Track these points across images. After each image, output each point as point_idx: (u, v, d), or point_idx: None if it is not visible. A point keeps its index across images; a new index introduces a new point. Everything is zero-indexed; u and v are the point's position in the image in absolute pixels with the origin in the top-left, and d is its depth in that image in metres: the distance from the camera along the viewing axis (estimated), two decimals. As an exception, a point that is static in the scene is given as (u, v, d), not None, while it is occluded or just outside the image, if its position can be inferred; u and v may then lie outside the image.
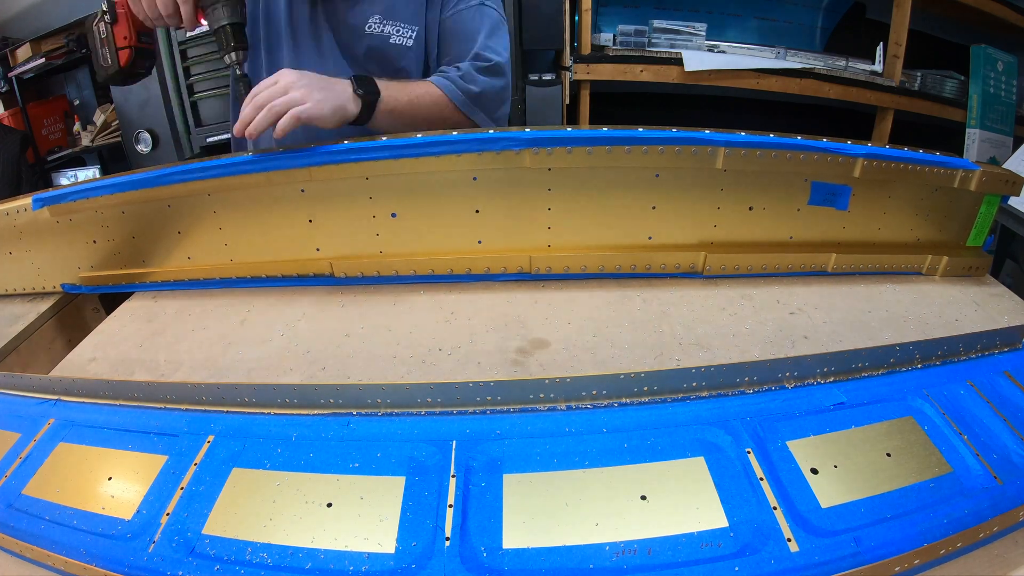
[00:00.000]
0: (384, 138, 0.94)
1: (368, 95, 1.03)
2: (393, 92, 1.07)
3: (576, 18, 2.65)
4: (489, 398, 0.69)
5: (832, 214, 1.00)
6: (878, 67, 2.85)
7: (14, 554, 0.65)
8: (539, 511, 0.59)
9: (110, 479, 0.67)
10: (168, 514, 0.62)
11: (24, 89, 3.12)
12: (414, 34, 1.18)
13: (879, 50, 2.83)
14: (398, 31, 1.17)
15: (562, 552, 0.56)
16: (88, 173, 3.18)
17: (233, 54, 0.99)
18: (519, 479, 0.61)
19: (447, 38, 1.21)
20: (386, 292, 1.03)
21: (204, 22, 0.99)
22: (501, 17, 1.23)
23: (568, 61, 2.62)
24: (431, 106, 1.12)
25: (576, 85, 2.71)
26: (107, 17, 1.00)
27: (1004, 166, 1.61)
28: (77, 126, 3.24)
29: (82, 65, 3.23)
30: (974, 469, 0.62)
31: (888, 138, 2.89)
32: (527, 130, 0.92)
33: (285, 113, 0.93)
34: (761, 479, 0.60)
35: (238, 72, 1.01)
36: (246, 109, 0.94)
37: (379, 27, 1.16)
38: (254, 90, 0.96)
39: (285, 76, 0.96)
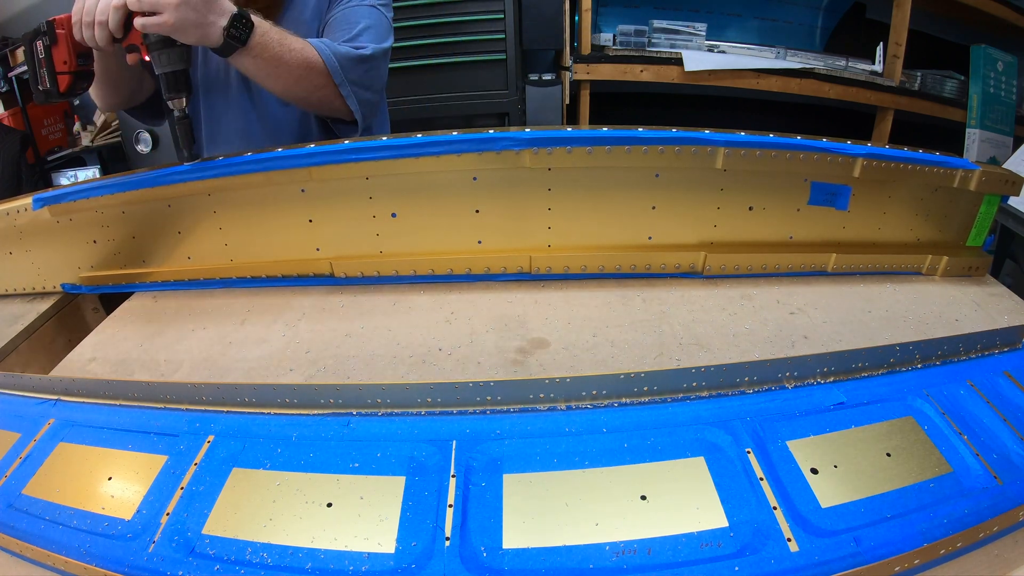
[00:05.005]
0: (384, 138, 0.94)
1: (239, 31, 0.99)
2: (270, 37, 1.04)
3: (576, 18, 2.65)
4: (489, 398, 0.69)
5: (832, 214, 1.00)
6: (878, 67, 2.85)
7: (14, 554, 0.65)
8: (539, 511, 0.59)
9: (110, 479, 0.67)
10: (168, 514, 0.62)
11: (24, 89, 3.12)
12: None
13: (879, 50, 2.83)
14: None
15: (562, 552, 0.56)
16: (88, 173, 3.17)
17: (176, 100, 0.97)
18: (519, 479, 0.61)
19: (326, 32, 1.22)
20: (386, 292, 1.03)
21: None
22: (383, 15, 1.24)
23: (568, 61, 2.62)
24: (302, 64, 1.08)
25: (576, 85, 2.71)
26: (46, 38, 0.93)
27: (1004, 166, 1.61)
28: (77, 126, 3.23)
29: (82, 65, 3.23)
30: (974, 469, 0.62)
31: (888, 138, 2.89)
32: (527, 130, 0.92)
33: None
34: (761, 479, 0.60)
35: (177, 115, 0.98)
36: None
37: None
38: None
39: None
